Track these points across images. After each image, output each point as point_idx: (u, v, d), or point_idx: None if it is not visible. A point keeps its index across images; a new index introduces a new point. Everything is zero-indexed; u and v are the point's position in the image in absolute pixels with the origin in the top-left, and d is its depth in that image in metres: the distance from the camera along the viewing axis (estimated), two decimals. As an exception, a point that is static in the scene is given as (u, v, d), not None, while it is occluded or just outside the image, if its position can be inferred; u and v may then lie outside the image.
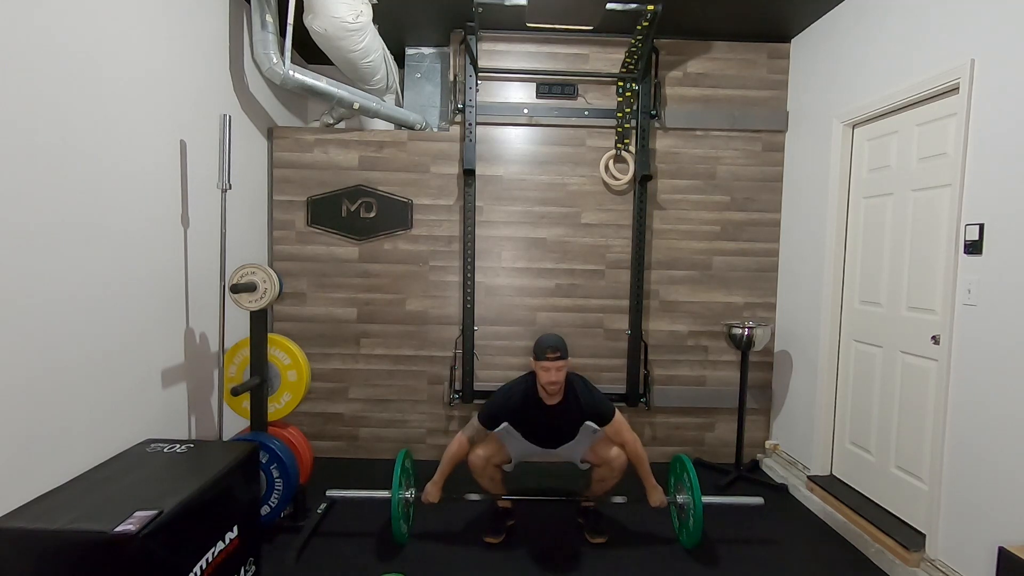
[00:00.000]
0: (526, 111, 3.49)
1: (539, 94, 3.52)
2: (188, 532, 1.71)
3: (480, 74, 3.46)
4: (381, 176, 3.49)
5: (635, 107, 3.46)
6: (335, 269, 3.51)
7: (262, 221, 3.42)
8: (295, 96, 3.77)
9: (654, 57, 3.43)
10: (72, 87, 1.85)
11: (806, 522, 2.84)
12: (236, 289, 2.36)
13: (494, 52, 3.49)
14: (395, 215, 3.49)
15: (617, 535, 2.64)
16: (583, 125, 3.52)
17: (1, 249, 1.60)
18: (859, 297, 2.91)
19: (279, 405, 2.70)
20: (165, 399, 2.40)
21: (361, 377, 3.57)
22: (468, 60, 3.36)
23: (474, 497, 2.60)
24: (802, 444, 3.30)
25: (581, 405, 2.43)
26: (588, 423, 2.57)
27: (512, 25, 3.37)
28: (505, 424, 2.56)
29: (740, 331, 3.26)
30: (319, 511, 2.73)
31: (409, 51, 3.70)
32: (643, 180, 3.45)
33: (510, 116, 3.49)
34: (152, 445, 2.12)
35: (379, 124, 3.80)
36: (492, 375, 3.56)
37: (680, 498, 2.55)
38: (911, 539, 2.38)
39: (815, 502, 2.96)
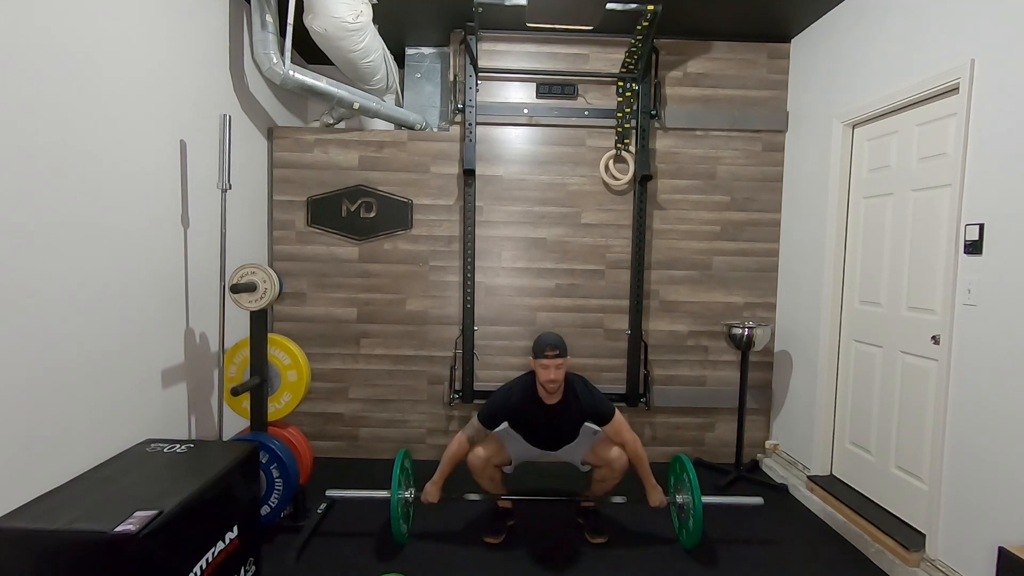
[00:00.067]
0: (526, 111, 3.49)
1: (539, 94, 3.52)
2: (188, 532, 1.71)
3: (480, 74, 3.46)
4: (381, 176, 3.49)
5: (635, 107, 3.46)
6: (335, 269, 3.51)
7: (262, 221, 3.42)
8: (295, 96, 3.77)
9: (654, 57, 3.43)
10: (72, 87, 1.85)
11: (806, 522, 2.84)
12: (236, 289, 2.36)
13: (494, 52, 3.49)
14: (395, 215, 3.49)
15: (617, 535, 2.64)
16: (583, 125, 3.52)
17: (1, 249, 1.60)
18: (859, 297, 2.91)
19: (279, 405, 2.70)
20: (165, 399, 2.40)
21: (361, 377, 3.57)
22: (468, 60, 3.36)
23: (474, 497, 2.60)
24: (802, 444, 3.30)
25: (581, 405, 2.43)
26: (588, 424, 2.57)
27: (512, 25, 3.37)
28: (505, 425, 2.56)
29: (740, 331, 3.26)
30: (319, 511, 2.73)
31: (409, 51, 3.70)
32: (643, 180, 3.45)
33: (510, 116, 3.49)
34: (152, 445, 2.12)
35: (379, 124, 3.80)
36: (492, 375, 3.56)
37: (680, 498, 2.55)
38: (911, 539, 2.38)
39: (815, 502, 2.96)
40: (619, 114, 3.46)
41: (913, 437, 2.51)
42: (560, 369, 2.31)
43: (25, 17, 1.66)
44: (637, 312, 3.51)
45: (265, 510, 2.46)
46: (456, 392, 3.54)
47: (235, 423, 2.97)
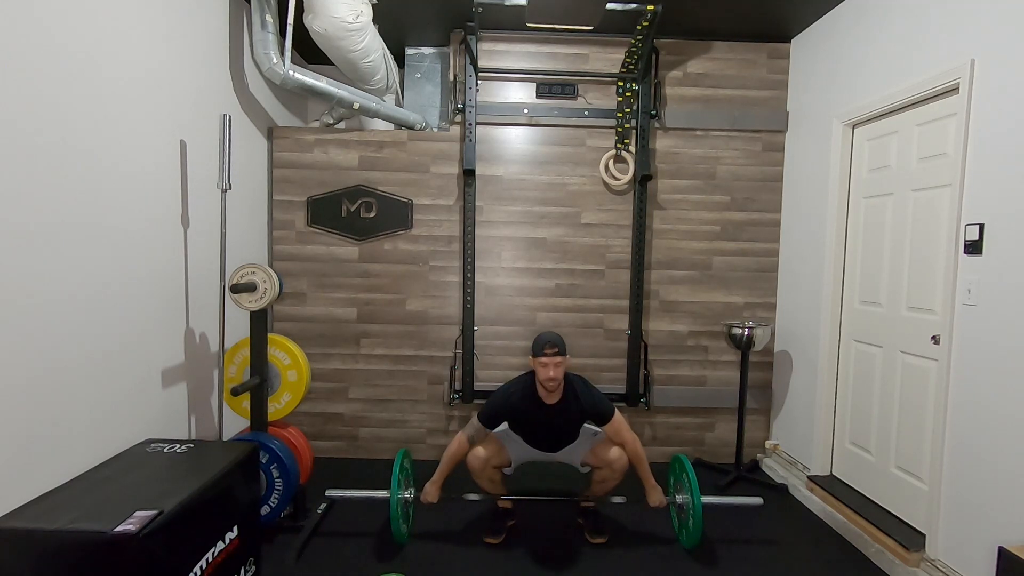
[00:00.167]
0: (526, 111, 3.49)
1: (539, 94, 3.52)
2: (188, 532, 1.71)
3: (480, 74, 3.46)
4: (381, 176, 3.49)
5: (635, 107, 3.46)
6: (335, 269, 3.51)
7: (262, 221, 3.42)
8: (295, 96, 3.77)
9: (654, 57, 3.43)
10: (72, 87, 1.85)
11: (806, 522, 2.84)
12: (236, 289, 2.36)
13: (494, 52, 3.49)
14: (395, 215, 3.49)
15: (617, 535, 2.64)
16: (583, 125, 3.52)
17: (1, 249, 1.60)
18: (859, 297, 2.91)
19: (279, 405, 2.70)
20: (165, 399, 2.40)
21: (361, 377, 3.57)
22: (468, 60, 3.36)
23: (474, 497, 2.60)
24: (802, 444, 3.30)
25: (581, 404, 2.43)
26: (588, 425, 2.57)
27: (512, 25, 3.37)
28: (505, 426, 2.56)
29: (740, 331, 3.26)
30: (319, 511, 2.73)
31: (409, 51, 3.70)
32: (643, 180, 3.45)
33: (510, 116, 3.49)
34: (152, 445, 2.12)
35: (379, 124, 3.80)
36: (492, 375, 3.56)
37: (680, 498, 2.56)
38: (911, 539, 2.38)
39: (815, 502, 2.96)
40: (619, 114, 3.46)
41: (913, 437, 2.51)
42: (559, 367, 2.31)
43: (25, 17, 1.66)
44: (637, 312, 3.51)
45: (265, 510, 2.46)
46: (456, 392, 3.54)
47: (235, 423, 2.97)
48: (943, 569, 2.21)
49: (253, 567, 2.16)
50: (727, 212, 3.57)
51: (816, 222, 3.18)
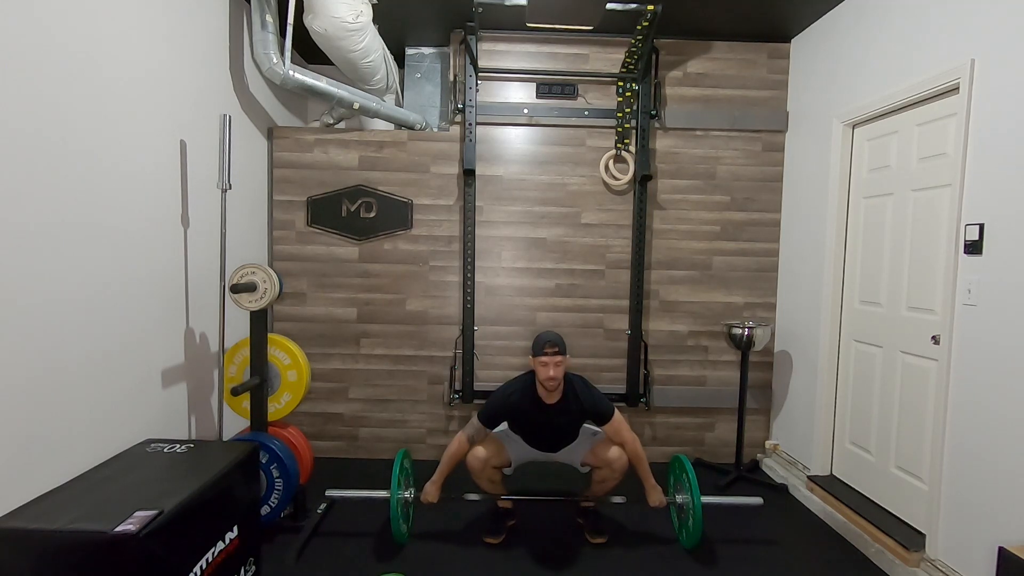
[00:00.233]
0: (526, 111, 3.49)
1: (539, 94, 3.52)
2: (188, 532, 1.71)
3: (480, 74, 3.46)
4: (381, 176, 3.49)
5: (635, 107, 3.46)
6: (335, 269, 3.51)
7: (262, 221, 3.42)
8: (295, 96, 3.77)
9: (654, 57, 3.43)
10: (72, 87, 1.85)
11: (806, 522, 2.84)
12: (236, 289, 2.36)
13: (494, 52, 3.49)
14: (395, 215, 3.49)
15: (617, 535, 2.64)
16: (583, 125, 3.52)
17: (1, 249, 1.60)
18: (859, 297, 2.91)
19: (279, 405, 2.70)
20: (165, 399, 2.40)
21: (361, 377, 3.57)
22: (468, 60, 3.36)
23: (474, 497, 2.60)
24: (802, 444, 3.30)
25: (580, 404, 2.43)
26: (588, 425, 2.57)
27: (512, 25, 3.37)
28: (505, 426, 2.56)
29: (740, 331, 3.26)
30: (319, 511, 2.73)
31: (409, 51, 3.70)
32: (643, 180, 3.45)
33: (510, 116, 3.49)
34: (152, 445, 2.12)
35: (379, 124, 3.80)
36: (492, 375, 3.56)
37: (680, 498, 2.56)
38: (911, 539, 2.38)
39: (815, 502, 2.96)
40: (619, 114, 3.46)
41: (913, 437, 2.51)
42: (559, 367, 2.31)
43: (25, 17, 1.66)
44: (637, 312, 3.51)
45: (265, 510, 2.46)
46: (456, 392, 3.54)
47: (235, 423, 2.97)
48: (943, 569, 2.21)
49: (253, 567, 2.16)
50: (727, 212, 3.57)
51: (816, 222, 3.18)
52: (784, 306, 3.54)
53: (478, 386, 3.54)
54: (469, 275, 3.47)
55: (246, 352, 2.61)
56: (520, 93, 3.52)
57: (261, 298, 2.42)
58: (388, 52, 3.39)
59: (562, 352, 2.32)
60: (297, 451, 2.66)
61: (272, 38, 2.87)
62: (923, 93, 2.42)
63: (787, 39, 3.50)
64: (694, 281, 3.60)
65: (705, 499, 2.45)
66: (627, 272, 3.56)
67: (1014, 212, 1.98)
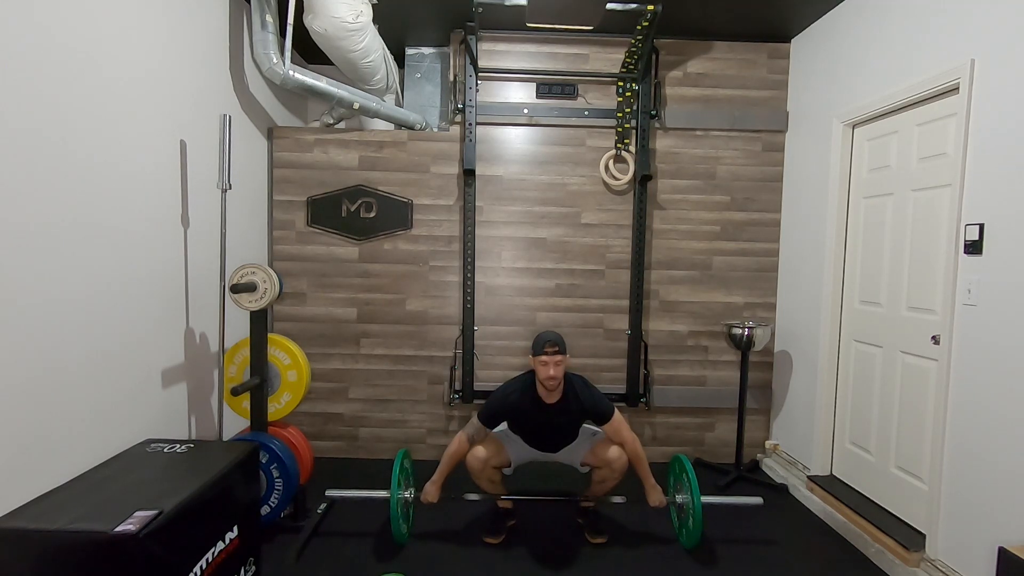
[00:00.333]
0: (526, 111, 3.49)
1: (539, 94, 3.52)
2: (188, 532, 1.71)
3: (480, 74, 3.46)
4: (381, 176, 3.49)
5: (635, 107, 3.46)
6: (335, 269, 3.51)
7: (262, 221, 3.42)
8: (295, 96, 3.77)
9: (654, 57, 3.43)
10: (72, 87, 1.85)
11: (806, 522, 2.84)
12: (236, 289, 2.36)
13: (494, 52, 3.49)
14: (395, 215, 3.49)
15: (617, 535, 2.64)
16: (583, 125, 3.52)
17: (1, 249, 1.60)
18: (859, 297, 2.91)
19: (279, 405, 2.70)
20: (165, 399, 2.40)
21: (361, 377, 3.57)
22: (468, 60, 3.36)
23: (474, 497, 2.60)
24: (802, 444, 3.30)
25: (580, 403, 2.43)
26: (587, 425, 2.57)
27: (512, 25, 3.37)
28: (504, 426, 2.56)
29: (740, 331, 3.26)
30: (319, 511, 2.73)
31: (409, 51, 3.70)
32: (643, 180, 3.45)
33: (510, 116, 3.49)
34: (152, 445, 2.12)
35: (379, 124, 3.80)
36: (492, 375, 3.56)
37: (680, 498, 2.56)
38: (911, 539, 2.38)
39: (815, 502, 2.96)
40: (619, 114, 3.46)
41: (913, 437, 2.51)
42: (559, 366, 2.31)
43: (25, 17, 1.66)
44: (637, 312, 3.51)
45: (265, 510, 2.46)
46: (456, 392, 3.54)
47: (235, 423, 2.97)
48: (943, 569, 2.21)
49: (253, 567, 2.16)
50: (727, 212, 3.57)
51: (816, 222, 3.18)
52: (784, 306, 3.54)
53: (478, 386, 3.54)
54: (469, 275, 3.47)
55: (246, 352, 2.61)
56: (520, 93, 3.52)
57: (261, 298, 2.42)
58: (388, 52, 3.39)
59: (562, 351, 2.32)
60: (297, 451, 2.66)
61: (272, 38, 2.87)
62: (923, 93, 2.42)
63: (787, 39, 3.50)
64: (694, 281, 3.60)
65: (705, 499, 2.45)
66: (627, 272, 3.56)
67: (1014, 212, 1.98)
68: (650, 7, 2.85)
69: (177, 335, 2.49)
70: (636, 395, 3.57)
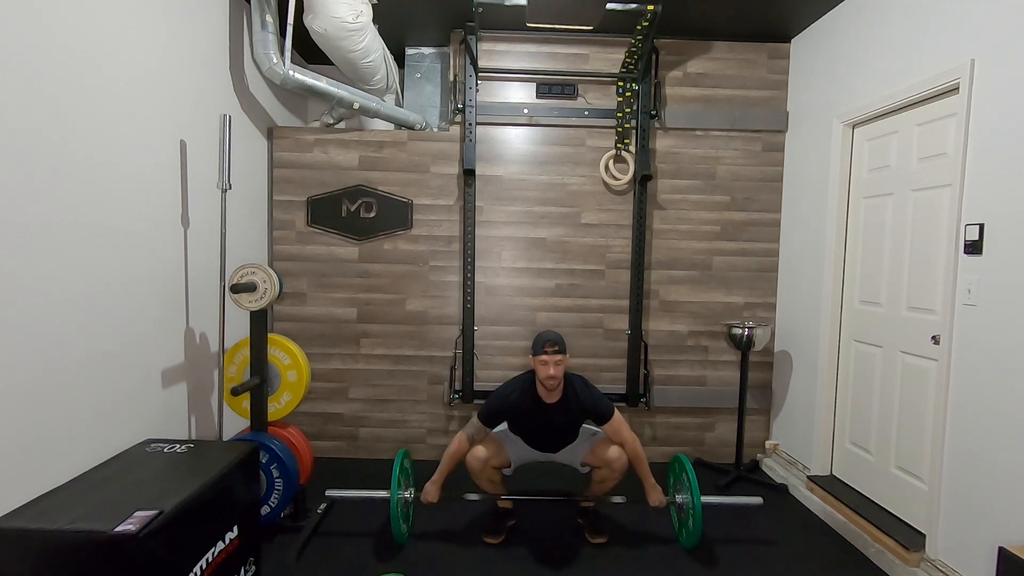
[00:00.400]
0: (526, 111, 3.49)
1: (539, 94, 3.52)
2: (188, 532, 1.71)
3: (480, 74, 3.46)
4: (381, 176, 3.49)
5: (635, 107, 3.46)
6: (335, 269, 3.51)
7: (262, 221, 3.42)
8: (295, 96, 3.77)
9: (654, 57, 3.43)
10: (72, 87, 1.85)
11: (806, 522, 2.84)
12: (236, 289, 2.36)
13: (494, 52, 3.49)
14: (395, 215, 3.50)
15: (617, 535, 2.64)
16: (583, 125, 3.52)
17: (1, 249, 1.60)
18: (859, 297, 2.91)
19: (279, 405, 2.70)
20: (165, 399, 2.40)
21: (361, 377, 3.57)
22: (468, 60, 3.36)
23: (474, 497, 2.60)
24: (802, 444, 3.30)
25: (580, 403, 2.43)
26: (587, 426, 2.57)
27: (512, 25, 3.37)
28: (504, 426, 2.56)
29: (740, 331, 3.26)
30: (319, 511, 2.73)
31: (409, 51, 3.70)
32: (643, 180, 3.45)
33: (510, 116, 3.49)
34: (152, 445, 2.12)
35: (379, 124, 3.80)
36: (492, 375, 3.56)
37: (680, 498, 2.56)
38: (911, 539, 2.38)
39: (815, 502, 2.96)
40: (619, 114, 3.46)
41: (913, 437, 2.51)
42: (560, 366, 2.31)
43: (25, 17, 1.66)
44: (637, 312, 3.51)
45: (265, 510, 2.46)
46: (456, 392, 3.54)
47: (235, 423, 2.97)
48: (943, 569, 2.21)
49: (253, 567, 2.16)
50: (727, 212, 3.57)
51: (816, 222, 3.18)
52: (784, 306, 3.54)
53: (478, 386, 3.54)
54: (469, 275, 3.47)
55: (246, 352, 2.61)
56: (520, 93, 3.52)
57: (261, 298, 2.42)
58: (388, 52, 3.39)
59: (562, 351, 2.32)
60: (297, 451, 2.66)
61: (272, 38, 2.87)
62: (923, 93, 2.42)
63: (787, 39, 3.50)
64: (694, 281, 3.60)
65: (705, 499, 2.45)
66: (627, 272, 3.56)
67: (1014, 212, 1.98)
68: (650, 7, 2.85)
69: (177, 335, 2.49)
70: (636, 395, 3.57)
